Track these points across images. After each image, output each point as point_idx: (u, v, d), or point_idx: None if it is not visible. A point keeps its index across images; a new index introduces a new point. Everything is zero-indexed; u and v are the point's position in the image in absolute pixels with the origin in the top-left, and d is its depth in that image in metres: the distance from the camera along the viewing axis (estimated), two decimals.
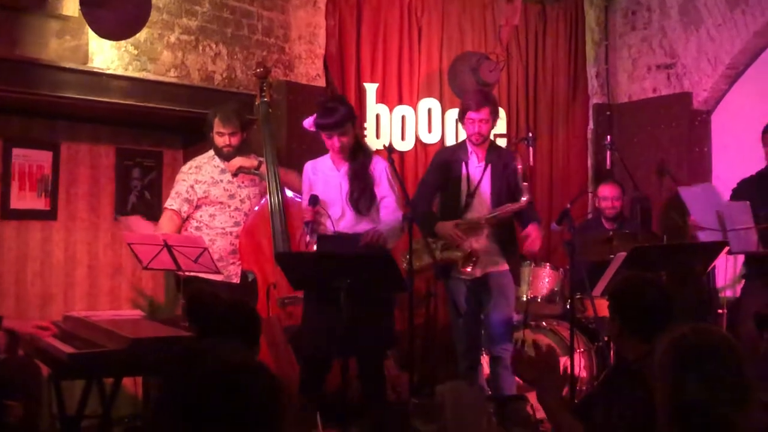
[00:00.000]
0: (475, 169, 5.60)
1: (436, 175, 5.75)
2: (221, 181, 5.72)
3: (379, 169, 5.02)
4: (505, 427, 5.20)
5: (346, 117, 4.91)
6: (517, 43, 7.57)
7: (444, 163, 5.72)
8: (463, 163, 5.61)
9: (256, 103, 5.87)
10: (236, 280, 5.68)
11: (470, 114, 5.55)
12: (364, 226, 4.91)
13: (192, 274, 5.19)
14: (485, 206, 5.55)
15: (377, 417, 4.28)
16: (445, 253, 5.49)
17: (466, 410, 3.34)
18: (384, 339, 4.94)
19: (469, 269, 5.39)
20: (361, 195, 4.95)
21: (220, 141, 5.69)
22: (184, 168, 5.81)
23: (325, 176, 5.07)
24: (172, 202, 5.69)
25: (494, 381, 5.57)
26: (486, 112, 5.53)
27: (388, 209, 4.98)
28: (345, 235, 4.93)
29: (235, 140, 5.68)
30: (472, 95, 5.71)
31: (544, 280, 6.31)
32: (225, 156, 5.72)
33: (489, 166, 5.57)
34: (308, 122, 5.06)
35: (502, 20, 7.20)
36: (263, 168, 5.68)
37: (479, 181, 5.55)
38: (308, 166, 5.20)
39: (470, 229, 5.46)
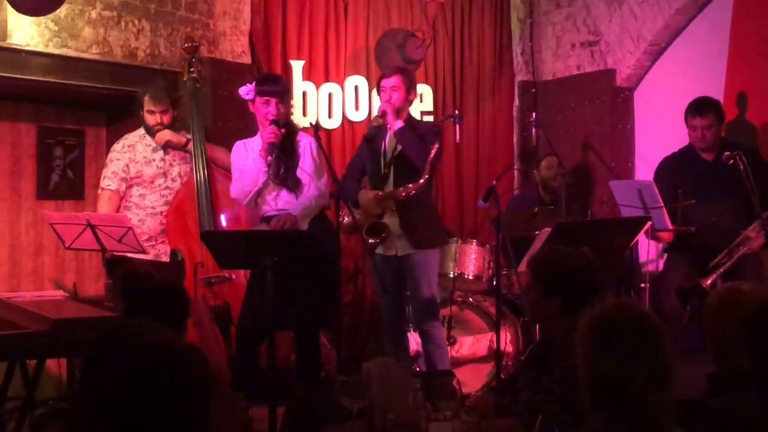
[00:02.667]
0: (390, 142, 5.55)
1: (361, 153, 5.74)
2: (154, 159, 5.68)
3: (304, 143, 5.07)
4: (432, 402, 5.24)
5: (287, 88, 4.99)
6: (444, 20, 7.58)
7: (367, 140, 5.71)
8: (382, 141, 5.59)
9: (184, 78, 5.82)
10: (165, 258, 5.63)
11: (382, 82, 5.52)
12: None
13: (121, 253, 5.14)
14: (401, 179, 5.50)
15: (304, 395, 4.29)
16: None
17: (392, 386, 3.37)
18: (315, 315, 4.96)
19: (372, 241, 5.37)
20: (288, 172, 4.95)
21: (151, 119, 5.65)
22: (117, 146, 5.74)
23: (255, 156, 5.06)
24: (109, 183, 5.61)
25: (426, 357, 5.61)
26: (397, 79, 5.47)
27: (305, 188, 5.01)
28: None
29: (166, 118, 5.66)
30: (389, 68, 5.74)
31: (470, 256, 6.35)
32: (156, 135, 5.68)
33: (402, 139, 5.51)
34: (246, 89, 5.05)
35: None
36: (191, 145, 5.64)
37: (393, 154, 5.50)
38: (239, 144, 5.22)
39: (385, 199, 5.41)
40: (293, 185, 5.04)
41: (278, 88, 4.96)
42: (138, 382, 1.96)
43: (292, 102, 6.89)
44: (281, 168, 4.99)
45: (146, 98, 5.66)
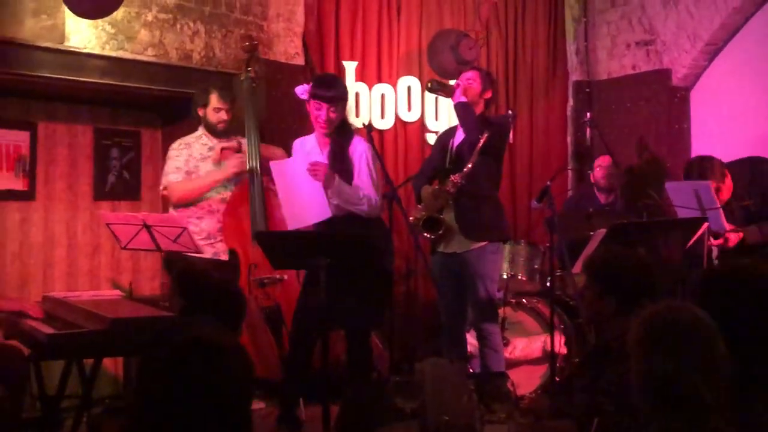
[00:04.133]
0: (458, 140, 5.57)
1: (432, 153, 5.83)
2: (209, 157, 5.70)
3: (359, 152, 5.01)
4: (485, 404, 5.22)
5: (343, 94, 4.96)
6: (497, 20, 7.55)
7: (438, 142, 5.77)
8: (452, 138, 5.60)
9: (241, 78, 5.83)
10: (224, 257, 5.65)
11: (460, 76, 5.57)
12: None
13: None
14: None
15: (357, 395, 4.29)
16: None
17: (446, 387, 3.36)
18: (367, 315, 4.96)
19: (428, 236, 5.37)
20: (340, 177, 4.93)
21: (215, 117, 5.70)
22: (174, 145, 5.77)
23: (310, 157, 5.06)
24: (176, 176, 5.65)
25: (481, 359, 5.57)
26: (473, 73, 5.53)
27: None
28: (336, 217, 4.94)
29: (229, 116, 5.69)
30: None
31: (524, 257, 6.32)
32: (218, 132, 5.72)
33: (458, 111, 5.51)
34: (301, 89, 5.04)
35: None
36: (244, 147, 5.67)
37: (457, 151, 5.51)
38: (297, 142, 5.23)
39: (440, 193, 5.41)
40: None
41: (331, 94, 4.91)
42: (175, 376, 1.98)
43: None
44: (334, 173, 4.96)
45: (213, 95, 5.70)
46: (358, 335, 5.01)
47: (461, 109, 5.38)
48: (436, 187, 5.44)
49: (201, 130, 5.79)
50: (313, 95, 4.95)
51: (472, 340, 5.75)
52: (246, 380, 2.09)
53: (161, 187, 5.77)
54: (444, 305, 5.62)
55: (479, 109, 5.49)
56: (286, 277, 5.49)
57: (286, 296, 5.45)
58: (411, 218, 5.38)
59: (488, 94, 5.56)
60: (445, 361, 5.09)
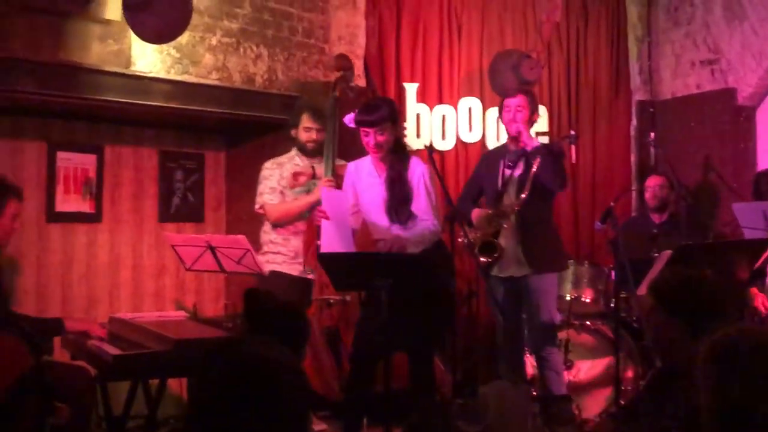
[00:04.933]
0: (509, 162, 5.56)
1: (478, 174, 5.79)
2: None
3: (417, 175, 4.98)
4: (550, 428, 5.17)
5: (386, 116, 4.89)
6: (559, 40, 7.52)
7: (485, 162, 5.74)
8: (501, 160, 5.59)
9: (331, 96, 5.84)
10: (311, 276, 5.70)
11: (506, 101, 5.54)
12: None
13: (272, 269, 5.49)
14: (513, 197, 5.49)
15: (421, 417, 4.27)
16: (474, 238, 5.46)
17: (510, 410, 3.32)
18: (429, 338, 4.94)
19: (485, 260, 5.35)
20: (400, 204, 4.93)
21: (306, 136, 5.76)
22: (267, 164, 5.83)
23: (367, 182, 5.06)
24: (270, 197, 5.71)
25: (541, 382, 5.53)
26: (522, 99, 5.51)
27: (421, 219, 4.96)
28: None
29: (320, 136, 5.72)
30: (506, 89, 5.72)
31: (587, 279, 6.25)
32: (309, 152, 5.77)
33: (521, 160, 5.52)
34: (349, 118, 5.09)
35: (543, 17, 7.17)
36: (319, 170, 5.69)
37: (510, 173, 5.51)
38: (351, 166, 5.21)
39: (495, 217, 5.39)
40: (405, 219, 4.99)
41: (373, 117, 4.89)
42: (225, 393, 1.98)
43: (405, 124, 6.90)
44: (394, 202, 4.95)
45: (304, 116, 5.75)
46: (421, 357, 4.99)
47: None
48: (489, 211, 5.42)
49: (294, 151, 5.85)
50: (358, 122, 4.96)
51: (533, 363, 5.71)
52: (304, 400, 2.08)
53: (257, 206, 5.80)
54: (501, 327, 5.60)
55: (526, 134, 5.49)
56: (348, 298, 5.50)
57: (346, 318, 5.46)
58: (462, 239, 5.37)
59: (536, 116, 5.59)
60: (508, 384, 5.07)
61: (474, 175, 5.91)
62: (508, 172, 5.52)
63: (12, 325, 4.04)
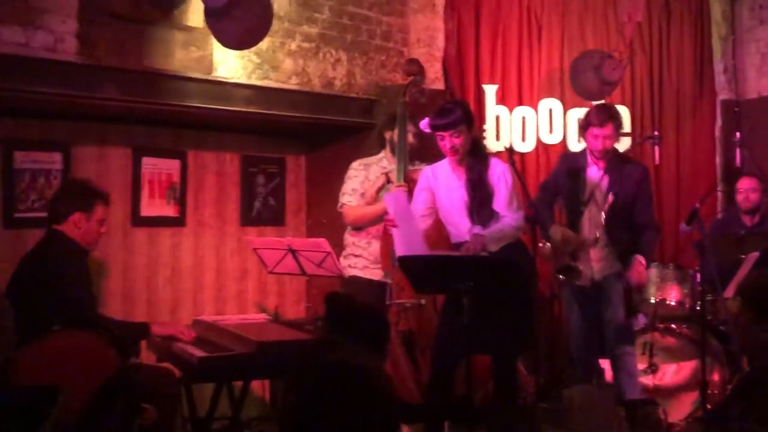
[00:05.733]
0: (593, 178, 5.52)
1: (558, 179, 5.74)
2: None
3: (497, 173, 4.95)
4: None
5: (459, 119, 4.85)
6: (641, 39, 7.40)
7: (566, 169, 5.68)
8: (582, 171, 5.54)
9: (400, 101, 5.85)
10: (389, 280, 5.71)
11: (593, 130, 5.48)
12: None
13: (353, 274, 5.56)
14: (597, 217, 5.46)
15: (505, 420, 4.23)
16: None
17: (595, 414, 3.28)
18: (512, 341, 4.90)
19: (562, 277, 5.34)
20: (482, 206, 4.90)
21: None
22: (354, 165, 5.84)
23: (447, 185, 5.04)
24: (350, 199, 5.73)
25: (616, 384, 5.46)
26: (610, 128, 5.45)
27: (501, 216, 4.93)
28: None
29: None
30: (595, 111, 5.59)
31: (672, 281, 6.14)
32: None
33: (606, 178, 5.48)
34: (424, 123, 5.07)
35: (624, 16, 7.06)
36: (392, 176, 5.69)
37: (594, 191, 5.46)
38: (428, 170, 5.18)
39: (572, 239, 5.38)
40: (488, 220, 4.97)
41: (446, 121, 4.86)
42: (311, 399, 1.98)
43: (485, 126, 6.87)
44: (475, 203, 4.93)
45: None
46: (504, 361, 4.95)
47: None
48: (569, 234, 5.40)
49: (383, 153, 5.85)
50: (432, 127, 4.94)
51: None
52: (392, 404, 2.08)
53: (339, 204, 5.83)
54: (576, 333, 5.56)
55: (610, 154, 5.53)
56: (423, 301, 5.48)
57: (419, 321, 5.44)
58: (541, 245, 5.37)
59: (619, 139, 5.57)
60: (593, 387, 5.00)
61: (551, 179, 5.86)
62: (591, 186, 5.49)
63: (100, 328, 4.11)
